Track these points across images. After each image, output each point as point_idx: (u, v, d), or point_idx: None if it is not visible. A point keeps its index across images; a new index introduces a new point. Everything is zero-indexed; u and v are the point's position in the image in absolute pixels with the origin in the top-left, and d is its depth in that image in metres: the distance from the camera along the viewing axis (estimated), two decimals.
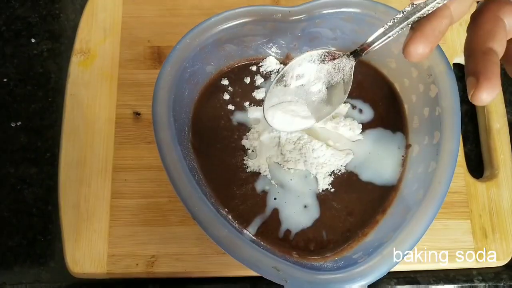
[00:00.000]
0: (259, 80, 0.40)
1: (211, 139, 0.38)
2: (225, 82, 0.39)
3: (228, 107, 0.39)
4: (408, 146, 0.37)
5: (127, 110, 0.41)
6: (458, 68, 0.45)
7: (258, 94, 0.39)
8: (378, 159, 0.38)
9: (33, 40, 0.45)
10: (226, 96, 0.39)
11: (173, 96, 0.34)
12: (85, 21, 0.43)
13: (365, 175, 0.37)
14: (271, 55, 0.40)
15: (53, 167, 0.41)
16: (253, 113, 0.39)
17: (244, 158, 0.37)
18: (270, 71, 0.40)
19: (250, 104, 0.39)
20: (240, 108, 0.39)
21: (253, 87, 0.39)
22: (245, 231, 0.35)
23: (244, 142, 0.38)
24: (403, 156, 0.37)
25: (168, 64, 0.33)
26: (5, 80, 0.44)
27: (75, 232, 0.38)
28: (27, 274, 0.39)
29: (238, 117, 0.39)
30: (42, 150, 0.42)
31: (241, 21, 0.36)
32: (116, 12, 0.44)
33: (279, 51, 0.39)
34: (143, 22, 0.43)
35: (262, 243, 0.35)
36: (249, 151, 0.38)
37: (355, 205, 0.36)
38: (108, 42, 0.43)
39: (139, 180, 0.39)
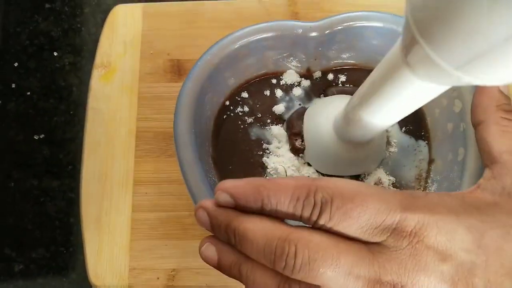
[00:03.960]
0: (279, 93, 0.39)
1: (231, 153, 0.38)
2: (245, 95, 0.39)
3: (248, 122, 0.39)
4: (431, 161, 0.37)
5: (148, 123, 0.41)
6: None
7: (277, 109, 0.39)
8: (400, 172, 0.37)
9: (55, 54, 0.46)
10: (246, 110, 0.39)
11: (194, 112, 0.34)
12: (105, 36, 0.44)
13: None
14: (291, 68, 0.39)
15: (74, 180, 0.41)
16: (275, 131, 0.38)
17: (263, 175, 0.37)
18: (291, 84, 0.40)
19: (271, 122, 0.39)
20: (260, 123, 0.39)
21: (273, 101, 0.39)
22: None
23: (265, 160, 0.38)
24: (426, 171, 0.37)
25: (189, 81, 0.34)
26: (28, 93, 0.44)
27: (97, 246, 0.38)
28: (50, 286, 0.39)
29: (258, 132, 0.38)
30: (64, 163, 0.42)
31: (261, 36, 0.36)
32: (136, 26, 0.44)
33: (299, 65, 0.39)
34: (162, 35, 0.43)
35: None
36: (268, 171, 0.37)
37: None
38: (128, 55, 0.43)
39: (159, 193, 0.39)
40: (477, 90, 0.27)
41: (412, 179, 0.37)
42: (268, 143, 0.38)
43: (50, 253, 0.40)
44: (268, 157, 0.38)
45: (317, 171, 0.37)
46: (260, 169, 0.37)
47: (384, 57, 0.25)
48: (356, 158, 0.35)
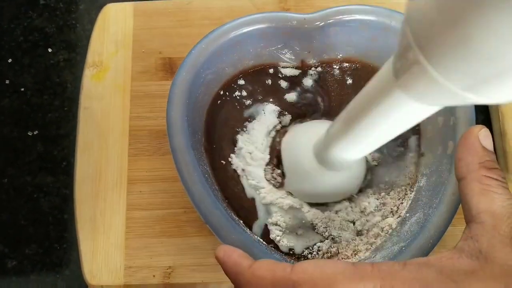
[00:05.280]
0: (283, 84, 0.39)
1: (220, 142, 0.37)
2: (241, 82, 0.39)
3: (242, 110, 0.38)
4: (421, 155, 0.37)
5: (141, 122, 0.41)
6: None
7: (289, 97, 0.38)
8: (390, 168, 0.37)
9: (50, 50, 0.46)
10: (240, 100, 0.38)
11: (187, 100, 0.34)
12: (96, 35, 0.43)
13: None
14: (286, 61, 0.39)
15: (68, 176, 0.41)
16: (268, 108, 0.38)
17: (231, 151, 0.37)
18: (290, 76, 0.39)
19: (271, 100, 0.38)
20: (256, 102, 0.38)
21: (277, 89, 0.39)
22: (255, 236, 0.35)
23: (238, 137, 0.37)
24: (416, 164, 0.37)
25: (183, 70, 0.34)
26: (22, 89, 0.44)
27: (92, 246, 0.38)
28: (44, 282, 0.39)
29: (251, 111, 0.38)
30: (58, 159, 0.42)
31: (256, 27, 0.36)
32: (127, 24, 0.44)
33: (293, 57, 0.39)
34: (154, 34, 0.43)
35: (271, 245, 0.35)
36: (236, 149, 0.36)
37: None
38: (120, 54, 0.43)
39: (154, 191, 0.39)
40: (460, 144, 0.25)
41: (400, 171, 0.37)
42: (253, 118, 0.38)
43: (44, 249, 0.40)
44: (242, 135, 0.37)
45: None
46: (231, 145, 0.37)
47: (370, 81, 0.24)
48: (338, 184, 0.34)
